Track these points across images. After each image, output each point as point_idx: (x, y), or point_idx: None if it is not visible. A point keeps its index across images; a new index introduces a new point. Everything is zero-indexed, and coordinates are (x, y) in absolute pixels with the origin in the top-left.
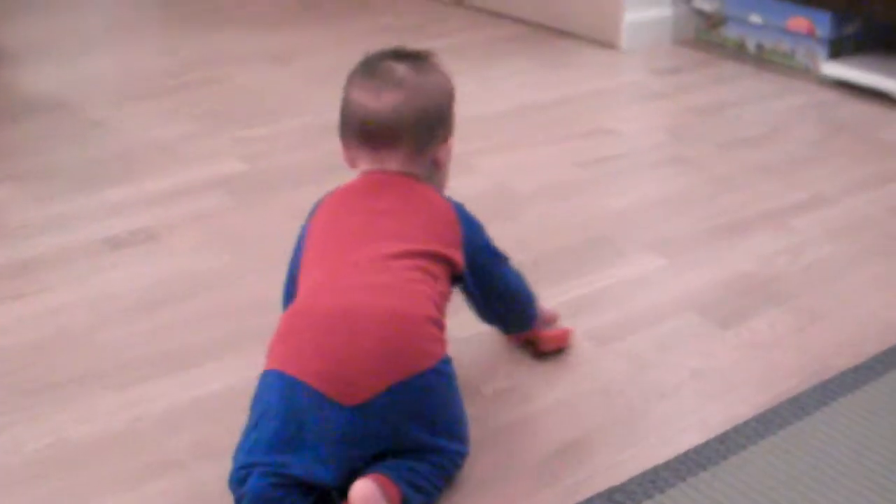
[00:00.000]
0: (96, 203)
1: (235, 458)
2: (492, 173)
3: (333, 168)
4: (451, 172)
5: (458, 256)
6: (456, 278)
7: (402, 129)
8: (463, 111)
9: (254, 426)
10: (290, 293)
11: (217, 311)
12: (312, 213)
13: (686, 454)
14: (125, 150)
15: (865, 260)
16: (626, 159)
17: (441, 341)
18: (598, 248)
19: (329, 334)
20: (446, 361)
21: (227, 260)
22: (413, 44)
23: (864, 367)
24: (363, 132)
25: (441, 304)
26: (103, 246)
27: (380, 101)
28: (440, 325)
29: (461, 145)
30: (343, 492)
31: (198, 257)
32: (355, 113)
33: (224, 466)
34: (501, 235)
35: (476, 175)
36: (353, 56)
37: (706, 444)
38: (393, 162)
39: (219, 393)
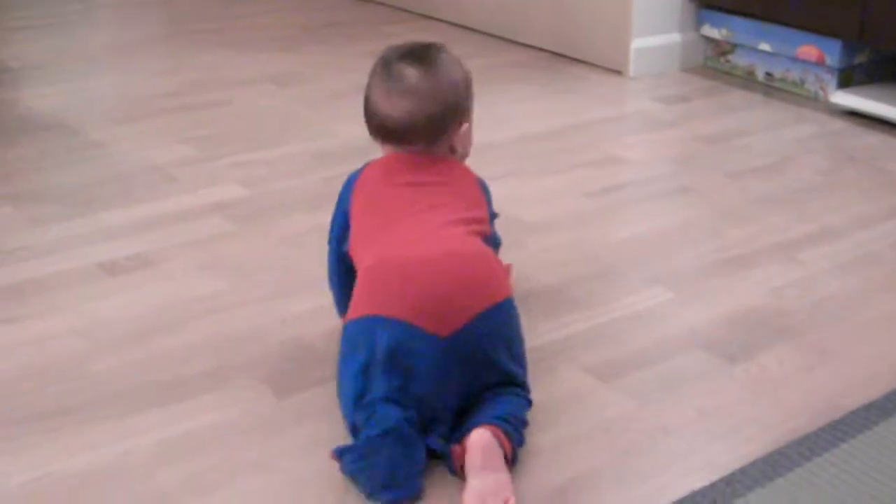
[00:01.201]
0: (93, 226)
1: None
2: (497, 201)
3: (334, 195)
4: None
5: (486, 216)
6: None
7: (416, 131)
8: None
9: (360, 375)
10: (339, 271)
11: (212, 340)
12: (350, 190)
13: (692, 496)
14: (123, 173)
15: (875, 296)
16: (633, 189)
17: (508, 279)
18: (604, 279)
19: (416, 277)
20: (511, 298)
21: (224, 287)
22: None
23: (875, 406)
24: (382, 130)
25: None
26: (98, 271)
27: (394, 107)
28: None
29: None
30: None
31: (195, 284)
32: (374, 113)
33: (215, 502)
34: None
35: None
36: (357, 80)
37: (712, 486)
38: (414, 148)
39: (212, 426)
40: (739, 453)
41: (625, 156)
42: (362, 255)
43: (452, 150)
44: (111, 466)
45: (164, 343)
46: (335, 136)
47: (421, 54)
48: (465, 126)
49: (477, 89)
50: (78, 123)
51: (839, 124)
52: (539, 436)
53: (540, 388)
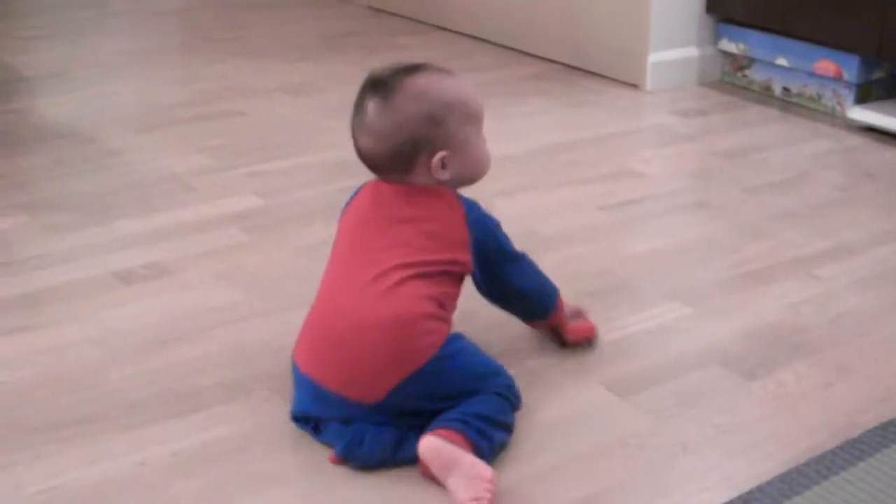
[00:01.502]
0: (108, 235)
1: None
2: (513, 215)
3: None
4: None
5: (466, 257)
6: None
7: (381, 166)
8: None
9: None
10: None
11: (228, 351)
12: (345, 207)
13: None
14: (139, 182)
15: (893, 312)
16: (649, 203)
17: (439, 331)
18: (620, 294)
19: (337, 345)
20: (450, 341)
21: (240, 298)
22: None
23: (893, 424)
24: (360, 159)
25: (443, 300)
26: (114, 280)
27: (360, 141)
28: (438, 317)
29: (482, 186)
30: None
31: (210, 294)
32: (354, 142)
33: None
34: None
35: (496, 216)
36: None
37: None
38: (392, 178)
39: (228, 437)
40: (757, 470)
41: (641, 170)
42: (321, 285)
43: (433, 174)
44: (126, 477)
45: (180, 353)
46: (351, 146)
47: (385, 85)
48: (439, 156)
49: (492, 101)
50: (93, 132)
51: (856, 140)
52: (556, 452)
53: (556, 403)
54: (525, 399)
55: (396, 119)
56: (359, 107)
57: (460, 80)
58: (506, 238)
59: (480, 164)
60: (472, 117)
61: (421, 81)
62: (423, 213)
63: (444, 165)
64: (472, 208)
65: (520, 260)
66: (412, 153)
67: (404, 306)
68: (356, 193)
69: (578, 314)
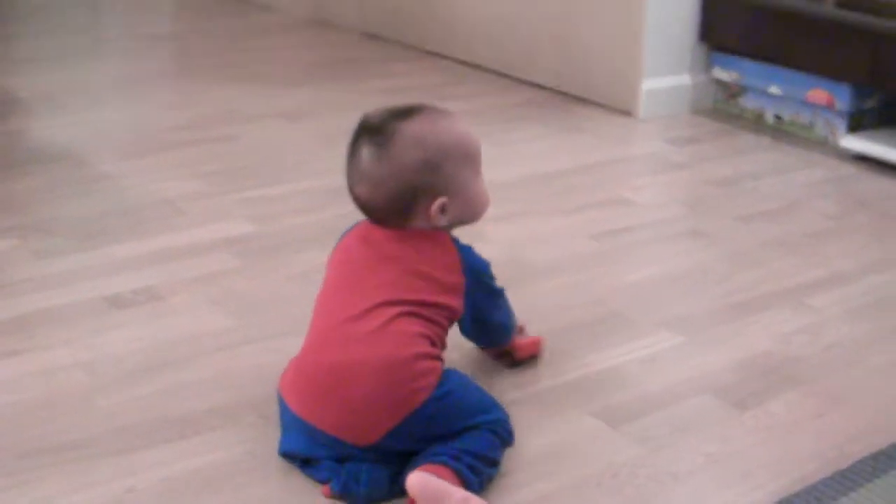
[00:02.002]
0: (100, 260)
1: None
2: (504, 242)
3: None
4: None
5: (458, 303)
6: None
7: (378, 214)
8: None
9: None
10: None
11: (219, 377)
12: (338, 242)
13: None
14: (131, 206)
15: (885, 342)
16: (641, 231)
17: (434, 371)
18: (612, 323)
19: (329, 389)
20: (445, 380)
21: (231, 324)
22: None
23: (883, 454)
24: (359, 207)
25: (435, 337)
26: (105, 305)
27: (356, 188)
28: (432, 355)
29: None
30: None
31: (202, 320)
32: (349, 190)
33: None
34: (512, 306)
35: (488, 244)
36: None
37: None
38: (389, 224)
39: (218, 463)
40: (748, 500)
41: (633, 198)
42: (310, 326)
43: (431, 219)
44: (116, 503)
45: (171, 379)
46: (345, 172)
47: (379, 132)
48: (438, 202)
49: (484, 128)
50: (87, 155)
51: (849, 169)
52: (546, 482)
53: (547, 432)
54: (515, 429)
55: (393, 167)
56: (353, 154)
57: (455, 119)
58: (493, 279)
59: (480, 205)
60: (470, 159)
61: (416, 127)
62: (416, 254)
63: (443, 210)
64: (466, 252)
65: (501, 297)
66: (410, 200)
67: (396, 346)
68: (346, 233)
69: (521, 330)
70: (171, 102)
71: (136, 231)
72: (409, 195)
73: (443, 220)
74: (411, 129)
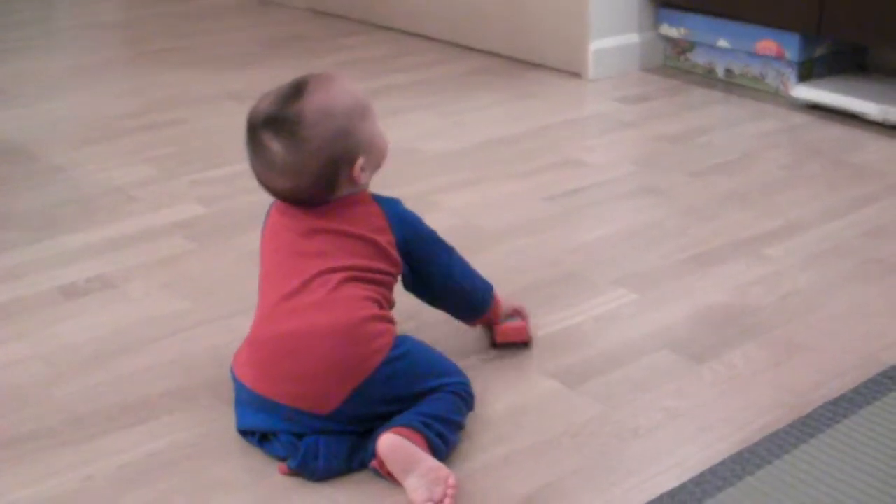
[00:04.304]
0: (52, 251)
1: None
2: (457, 210)
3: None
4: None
5: (395, 261)
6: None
7: (305, 196)
8: (427, 147)
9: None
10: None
11: (174, 360)
12: (264, 223)
13: (661, 498)
14: (83, 196)
15: (843, 288)
16: (595, 191)
17: (388, 332)
18: (568, 284)
19: (285, 359)
20: (400, 342)
21: (185, 306)
22: (378, 80)
23: (844, 399)
24: (282, 199)
25: (382, 299)
26: (58, 295)
27: (274, 182)
28: (383, 318)
29: (424, 183)
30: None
31: (156, 304)
32: (259, 181)
33: None
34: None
35: (441, 212)
36: None
37: (682, 487)
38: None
39: (176, 446)
40: (710, 453)
41: (586, 158)
42: (258, 304)
43: (355, 181)
44: (74, 492)
45: (126, 365)
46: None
47: (282, 120)
48: (359, 163)
49: (436, 98)
50: (37, 147)
51: (801, 118)
52: (507, 444)
53: (506, 395)
54: (475, 392)
55: (311, 147)
56: (259, 152)
57: (339, 79)
58: (430, 230)
59: (385, 147)
60: (368, 110)
61: (315, 101)
62: (343, 220)
63: (363, 169)
64: (389, 205)
65: (448, 252)
66: (334, 172)
67: (346, 311)
68: (268, 216)
69: (516, 313)
70: (122, 90)
71: (88, 220)
72: (331, 168)
73: (364, 178)
74: (311, 105)
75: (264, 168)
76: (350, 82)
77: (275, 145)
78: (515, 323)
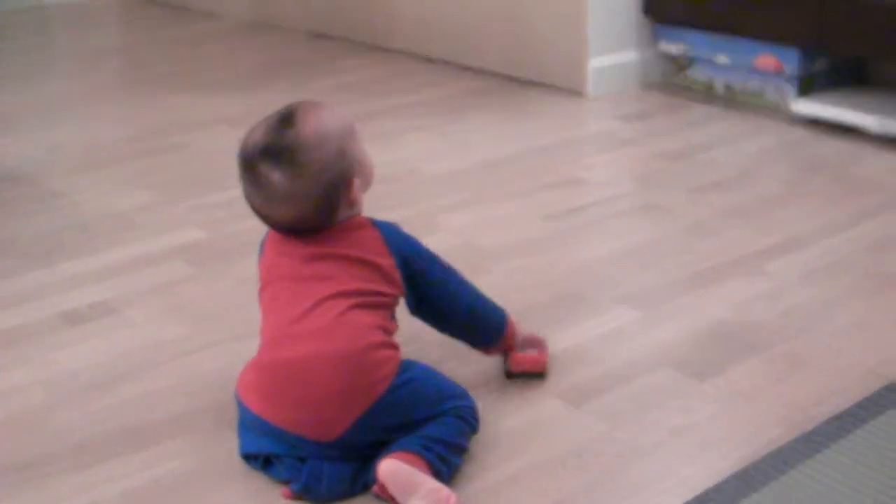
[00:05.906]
0: (53, 277)
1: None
2: (458, 231)
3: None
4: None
5: (396, 284)
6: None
7: (308, 224)
8: (427, 168)
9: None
10: None
11: (176, 386)
12: (260, 252)
13: None
14: (83, 222)
15: (844, 303)
16: (595, 210)
17: (392, 359)
18: (569, 303)
19: (290, 386)
20: (404, 370)
21: (186, 332)
22: (377, 101)
23: (847, 415)
24: (281, 231)
25: (386, 324)
26: (60, 321)
27: (275, 212)
28: (388, 344)
29: (425, 204)
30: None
31: (157, 330)
32: (257, 212)
33: None
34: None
35: (441, 233)
36: None
37: None
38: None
39: (179, 472)
40: (714, 470)
41: (586, 177)
42: (261, 331)
43: (352, 203)
44: None
45: (128, 391)
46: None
47: (279, 150)
48: (356, 184)
49: (436, 119)
50: (37, 174)
51: (801, 133)
52: (511, 463)
53: (510, 415)
54: (479, 413)
55: (312, 173)
56: (258, 184)
57: (324, 105)
58: (430, 252)
59: (372, 168)
60: (355, 131)
61: (308, 126)
62: (344, 245)
63: (359, 190)
64: (387, 229)
65: (450, 274)
66: (334, 195)
67: (352, 338)
68: (263, 245)
69: (533, 344)
70: (120, 115)
71: (89, 246)
72: (331, 191)
73: (361, 198)
74: (306, 130)
75: (265, 199)
76: (334, 106)
77: (275, 175)
78: (533, 355)
